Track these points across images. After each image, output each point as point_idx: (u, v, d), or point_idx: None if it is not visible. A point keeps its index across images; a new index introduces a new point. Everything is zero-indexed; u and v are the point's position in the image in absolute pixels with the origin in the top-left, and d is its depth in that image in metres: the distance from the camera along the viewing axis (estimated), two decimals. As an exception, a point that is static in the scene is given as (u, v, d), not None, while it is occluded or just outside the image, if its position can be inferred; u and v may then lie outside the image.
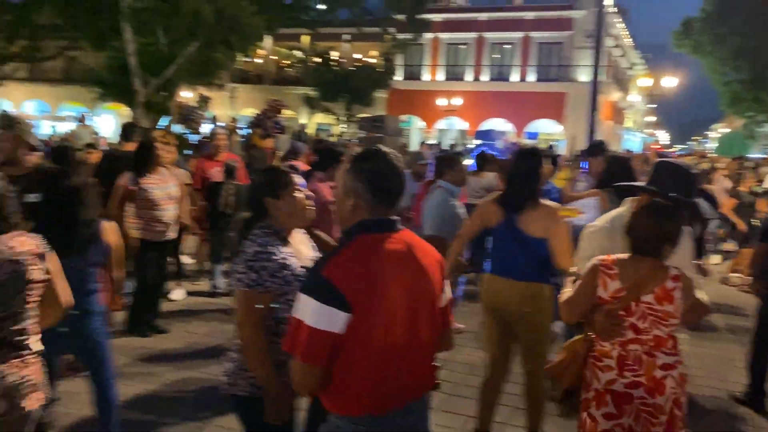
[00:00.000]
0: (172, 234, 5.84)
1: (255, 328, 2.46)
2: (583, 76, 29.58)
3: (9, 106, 33.99)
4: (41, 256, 2.41)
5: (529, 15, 31.97)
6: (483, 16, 32.93)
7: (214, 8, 16.55)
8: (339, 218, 2.11)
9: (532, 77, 32.34)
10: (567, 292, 2.86)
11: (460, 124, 32.65)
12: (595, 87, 13.31)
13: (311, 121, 33.40)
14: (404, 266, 1.98)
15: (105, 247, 3.36)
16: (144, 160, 5.57)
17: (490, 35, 32.81)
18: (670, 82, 31.73)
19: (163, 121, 19.30)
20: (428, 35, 31.22)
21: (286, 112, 24.36)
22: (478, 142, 20.33)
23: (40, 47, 28.81)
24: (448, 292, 2.18)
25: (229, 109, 27.77)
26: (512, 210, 3.73)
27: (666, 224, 2.65)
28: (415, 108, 32.63)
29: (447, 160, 5.66)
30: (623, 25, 36.43)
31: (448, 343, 2.26)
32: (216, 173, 7.26)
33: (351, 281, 1.87)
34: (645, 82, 34.18)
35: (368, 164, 2.02)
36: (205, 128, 24.16)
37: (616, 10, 32.75)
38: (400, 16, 26.82)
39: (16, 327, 2.34)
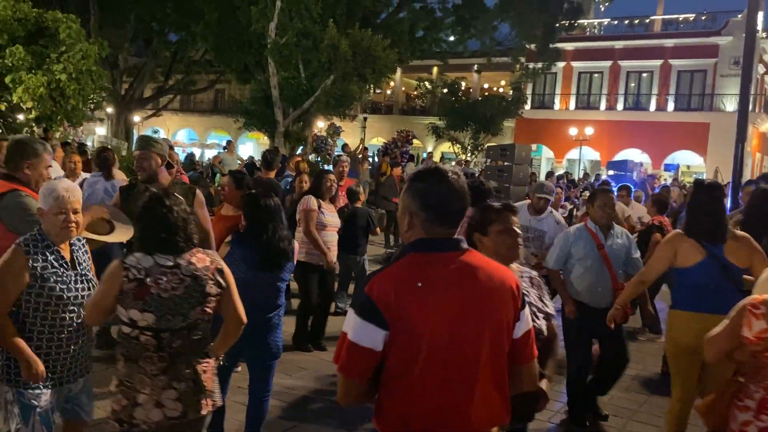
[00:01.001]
0: (333, 258, 6.07)
1: None
2: (729, 105, 27.68)
3: (163, 134, 37.35)
4: (219, 272, 2.62)
5: (669, 42, 30.52)
6: (619, 44, 31.85)
7: (350, 43, 17.37)
8: (401, 238, 2.08)
9: (671, 106, 30.72)
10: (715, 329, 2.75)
11: (591, 154, 31.61)
12: (743, 117, 12.46)
13: (437, 150, 33.77)
14: (456, 288, 1.88)
15: (292, 265, 3.66)
16: (318, 188, 5.96)
17: (626, 63, 31.65)
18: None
19: (299, 150, 20.39)
20: (560, 63, 30.66)
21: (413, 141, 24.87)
22: (611, 173, 19.58)
23: (193, 81, 31.61)
24: (527, 322, 2.02)
25: (360, 138, 28.75)
26: (713, 243, 3.63)
27: None
28: (544, 137, 32.04)
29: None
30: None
31: (530, 380, 2.07)
32: (340, 197, 7.57)
33: (389, 298, 1.83)
34: (801, 110, 31.35)
35: (423, 183, 1.97)
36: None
37: (766, 35, 30.50)
38: (532, 46, 26.59)
39: (194, 337, 2.56)
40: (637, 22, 33.31)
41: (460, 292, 1.89)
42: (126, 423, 2.46)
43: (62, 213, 2.80)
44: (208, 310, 2.58)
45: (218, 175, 16.08)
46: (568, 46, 31.01)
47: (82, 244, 3.06)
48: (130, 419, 2.45)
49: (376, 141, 32.78)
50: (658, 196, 7.99)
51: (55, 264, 2.81)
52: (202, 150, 34.70)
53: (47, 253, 2.81)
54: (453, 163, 22.80)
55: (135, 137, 32.77)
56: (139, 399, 2.45)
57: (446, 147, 32.20)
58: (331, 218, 6.05)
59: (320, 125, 24.91)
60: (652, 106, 31.17)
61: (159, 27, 25.67)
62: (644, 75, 31.69)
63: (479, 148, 28.78)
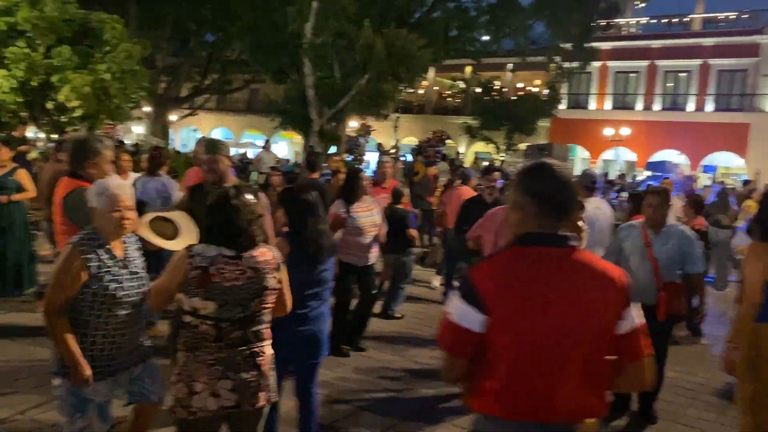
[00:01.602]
0: (373, 259, 5.97)
1: None
2: (771, 105, 27.04)
3: (198, 134, 37.91)
4: (277, 267, 2.71)
5: (709, 41, 29.91)
6: (656, 43, 31.33)
7: (385, 43, 17.43)
8: (510, 231, 2.13)
9: (710, 107, 30.11)
10: None
11: (627, 155, 31.17)
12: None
13: (469, 150, 33.64)
14: (558, 282, 1.95)
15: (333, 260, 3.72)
16: (352, 189, 5.77)
17: (664, 63, 31.11)
18: None
19: (331, 150, 20.55)
20: (595, 63, 30.30)
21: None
22: (648, 173, 19.29)
23: (229, 80, 32.03)
24: (632, 321, 2.03)
25: (392, 137, 28.81)
26: None
27: None
28: (579, 137, 31.68)
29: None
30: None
31: (638, 378, 2.07)
32: (383, 199, 7.55)
33: (490, 286, 1.96)
34: None
35: (532, 178, 2.04)
36: (369, 157, 25.31)
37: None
38: (567, 45, 26.34)
39: (253, 328, 2.64)
40: (675, 21, 32.72)
41: (557, 288, 1.95)
42: (184, 410, 2.53)
43: (116, 211, 2.88)
44: (267, 303, 2.65)
45: (254, 173, 16.32)
46: (604, 45, 30.59)
47: (134, 241, 3.14)
48: (188, 407, 2.53)
49: (407, 141, 32.79)
50: (696, 196, 7.89)
51: (109, 262, 2.90)
52: (237, 149, 35.12)
53: (100, 252, 2.89)
54: (486, 163, 22.66)
55: (171, 136, 33.37)
56: (196, 388, 2.53)
57: (479, 147, 32.07)
58: (367, 218, 5.81)
59: (352, 125, 25.06)
60: (691, 107, 30.58)
61: (196, 27, 26.08)
62: (682, 75, 31.11)
63: (513, 148, 28.59)
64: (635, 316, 2.04)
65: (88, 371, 2.82)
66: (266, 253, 2.66)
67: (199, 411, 2.54)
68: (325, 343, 3.69)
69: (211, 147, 4.16)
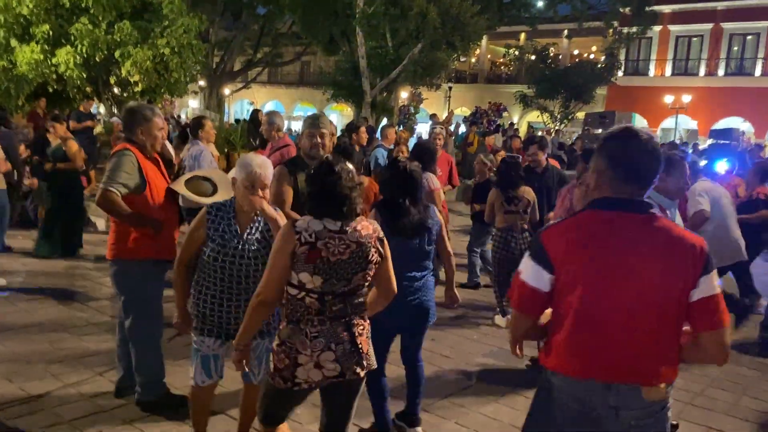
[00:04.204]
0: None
1: None
2: None
3: (251, 107, 38.38)
4: (380, 241, 2.71)
5: (780, 0, 28.35)
6: (721, 5, 29.83)
7: (439, 10, 17.15)
8: (589, 195, 2.16)
9: (779, 70, 28.66)
10: None
11: (688, 123, 30.04)
12: None
13: (523, 119, 33.04)
14: (633, 246, 1.96)
15: (438, 228, 3.69)
16: (426, 159, 5.55)
17: (729, 26, 29.65)
18: None
19: (384, 121, 20.48)
20: (656, 27, 29.13)
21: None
22: (711, 141, 18.49)
23: (280, 53, 32.21)
24: (709, 289, 1.97)
25: (444, 108, 28.52)
26: None
27: None
28: (637, 105, 30.66)
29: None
30: None
31: (714, 349, 1.99)
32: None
33: (558, 246, 2.02)
34: None
35: (615, 144, 2.04)
36: (420, 128, 25.14)
37: None
38: (626, 9, 25.37)
39: (354, 301, 2.66)
40: (742, -20, 31.09)
41: (635, 251, 1.97)
42: (289, 381, 2.59)
43: (252, 188, 3.04)
44: (369, 276, 2.68)
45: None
46: (666, 8, 29.37)
47: (262, 220, 3.19)
48: (293, 377, 2.59)
49: (460, 111, 32.41)
50: (762, 164, 7.55)
51: (227, 231, 3.08)
52: (289, 122, 35.44)
53: (225, 219, 3.11)
54: (541, 132, 22.22)
55: (226, 109, 33.90)
56: (300, 360, 2.57)
57: (534, 116, 31.44)
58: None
59: (403, 95, 24.88)
60: (758, 71, 29.15)
61: (248, 0, 26.22)
62: (749, 38, 29.62)
63: (569, 117, 27.93)
64: (713, 284, 1.98)
65: (188, 320, 3.18)
66: (368, 227, 2.67)
67: (304, 382, 2.59)
68: (433, 311, 3.70)
69: (312, 121, 4.21)
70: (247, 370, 2.82)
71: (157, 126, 3.84)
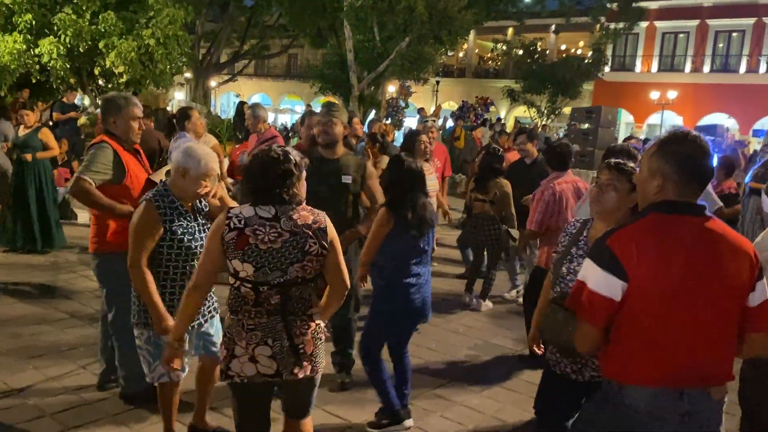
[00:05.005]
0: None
1: None
2: (830, 65, 25.81)
3: (237, 99, 38.13)
4: (321, 232, 2.55)
5: (764, -2, 28.59)
6: (707, 2, 30.03)
7: (426, 4, 17.10)
8: (641, 199, 2.16)
9: (763, 68, 28.90)
10: None
11: (673, 119, 30.25)
12: None
13: (511, 114, 33.11)
14: (693, 250, 1.97)
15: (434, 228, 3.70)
16: (410, 152, 5.51)
17: (715, 22, 29.86)
18: None
19: (371, 115, 20.44)
20: (642, 23, 29.28)
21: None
22: (697, 138, 18.53)
23: (267, 45, 32.01)
24: (762, 294, 2.06)
25: (432, 102, 28.51)
26: None
27: None
28: (623, 101, 30.73)
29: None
30: None
31: (763, 348, 2.11)
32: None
33: (630, 253, 1.97)
34: None
35: (677, 146, 2.04)
36: (408, 122, 25.13)
37: None
38: (613, 5, 25.46)
39: (293, 296, 2.54)
40: (728, -23, 31.30)
41: (697, 255, 1.98)
42: (224, 373, 2.55)
43: (204, 179, 3.05)
44: (309, 268, 2.54)
45: (295, 139, 16.39)
46: (652, 4, 29.53)
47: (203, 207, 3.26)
48: (228, 370, 2.54)
49: (447, 105, 32.41)
50: (728, 158, 7.58)
51: (181, 217, 3.06)
52: (276, 115, 35.28)
53: (173, 206, 3.05)
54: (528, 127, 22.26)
55: (213, 102, 33.66)
56: (235, 351, 2.52)
57: (521, 111, 31.52)
58: (429, 182, 5.70)
59: (391, 89, 24.82)
60: (743, 68, 29.41)
61: (235, -8, 26.03)
62: (734, 35, 29.86)
63: (556, 112, 28.03)
64: (765, 289, 2.07)
65: (170, 321, 2.98)
66: (307, 217, 2.55)
67: (237, 376, 2.52)
68: (427, 309, 3.73)
69: (325, 109, 4.17)
70: (177, 368, 2.79)
71: (131, 115, 3.74)
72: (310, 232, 2.52)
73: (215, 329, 3.33)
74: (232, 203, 3.23)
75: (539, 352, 2.76)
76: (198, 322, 3.15)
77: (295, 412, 2.79)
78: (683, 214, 2.03)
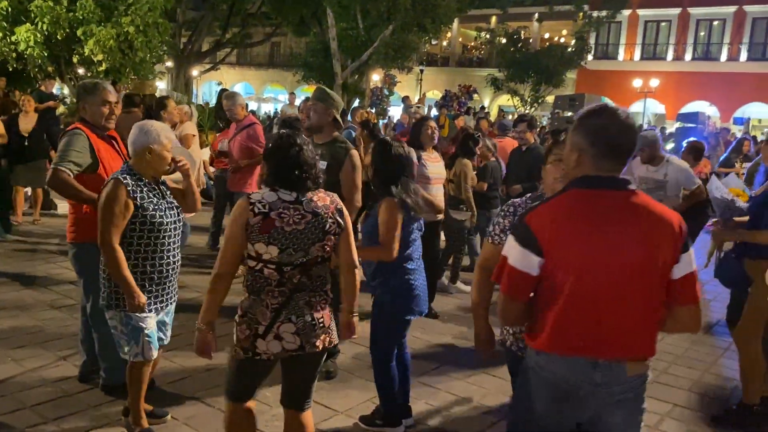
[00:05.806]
0: (440, 215, 5.23)
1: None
2: (809, 53, 26.10)
3: (219, 88, 37.75)
4: (339, 212, 2.70)
5: (745, -14, 28.78)
6: (689, -11, 30.24)
7: (410, -9, 17.05)
8: (566, 176, 2.14)
9: (744, 56, 29.17)
10: None
11: (655, 107, 30.47)
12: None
13: (494, 103, 33.14)
14: (612, 224, 1.96)
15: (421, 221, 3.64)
16: (418, 137, 5.40)
17: (697, 11, 30.05)
18: None
19: (356, 103, 20.36)
20: (625, 11, 29.39)
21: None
22: (679, 125, 18.76)
23: (250, 34, 31.65)
24: (686, 267, 2.03)
25: (416, 91, 28.45)
26: None
27: None
28: (606, 89, 30.86)
29: None
30: None
31: (691, 322, 2.08)
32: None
33: (546, 229, 1.97)
34: None
35: (594, 119, 2.02)
36: (392, 111, 25.06)
37: None
38: (596, -7, 25.53)
39: (314, 274, 2.65)
40: (710, -35, 31.45)
41: (616, 229, 1.96)
42: (250, 351, 2.60)
43: (167, 150, 3.14)
44: (327, 247, 2.67)
45: (276, 128, 16.26)
46: (636, -8, 29.65)
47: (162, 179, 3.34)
48: (253, 348, 2.59)
49: (432, 94, 32.36)
50: (695, 143, 7.64)
51: (150, 194, 3.12)
52: (259, 104, 34.98)
53: (141, 184, 3.10)
54: (511, 117, 22.30)
55: (194, 91, 33.32)
56: (260, 330, 2.58)
57: (504, 100, 31.57)
58: (435, 169, 5.45)
59: (375, 78, 24.73)
60: (724, 56, 29.66)
61: (216, -21, 25.69)
62: (716, 23, 30.10)
63: (539, 101, 28.09)
64: (692, 261, 2.04)
65: (143, 298, 3.06)
66: (325, 198, 2.68)
67: (263, 354, 2.59)
68: (424, 301, 3.65)
69: (319, 94, 4.14)
70: (211, 358, 2.76)
71: (101, 99, 3.65)
72: (329, 213, 2.65)
73: (170, 318, 3.43)
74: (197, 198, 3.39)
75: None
76: (158, 306, 3.23)
77: (296, 397, 2.83)
78: (602, 188, 2.00)
